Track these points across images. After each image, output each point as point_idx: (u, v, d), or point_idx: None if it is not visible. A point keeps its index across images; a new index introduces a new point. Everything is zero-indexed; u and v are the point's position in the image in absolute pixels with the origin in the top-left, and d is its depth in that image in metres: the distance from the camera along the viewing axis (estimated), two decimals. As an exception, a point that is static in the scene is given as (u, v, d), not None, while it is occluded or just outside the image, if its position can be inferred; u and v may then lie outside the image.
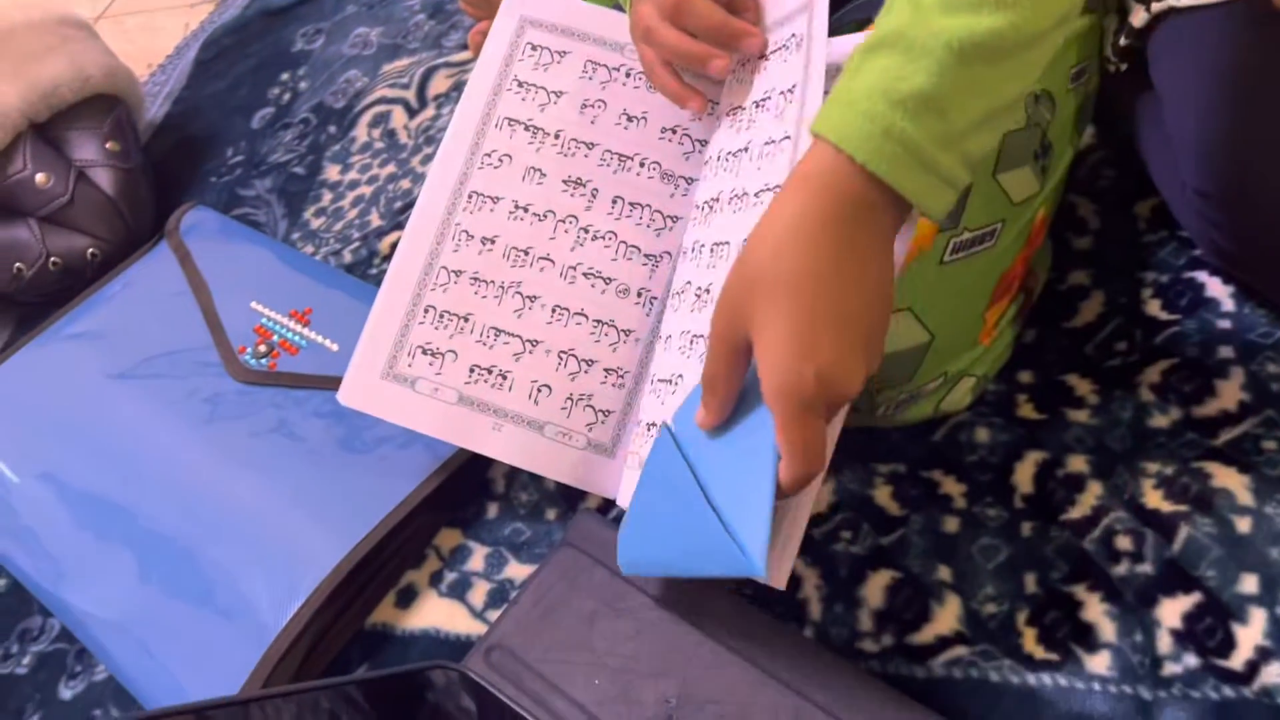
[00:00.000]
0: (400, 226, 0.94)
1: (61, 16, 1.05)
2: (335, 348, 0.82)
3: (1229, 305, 0.64)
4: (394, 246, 0.92)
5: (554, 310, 0.66)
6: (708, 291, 0.60)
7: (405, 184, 0.98)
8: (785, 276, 0.46)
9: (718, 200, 0.62)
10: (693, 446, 0.56)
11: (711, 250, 0.61)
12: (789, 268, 0.46)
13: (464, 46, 1.08)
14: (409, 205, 0.96)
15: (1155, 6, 0.57)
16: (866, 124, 0.45)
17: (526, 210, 0.67)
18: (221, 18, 1.30)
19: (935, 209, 0.46)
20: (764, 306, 0.46)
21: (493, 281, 0.67)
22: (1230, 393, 0.61)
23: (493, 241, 0.67)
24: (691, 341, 0.60)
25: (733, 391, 0.51)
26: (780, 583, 0.52)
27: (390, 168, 1.00)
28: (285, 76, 1.17)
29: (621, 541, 0.61)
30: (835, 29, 0.67)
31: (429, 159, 0.99)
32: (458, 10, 1.11)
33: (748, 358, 0.49)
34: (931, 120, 0.45)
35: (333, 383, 0.78)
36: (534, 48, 0.69)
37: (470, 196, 0.68)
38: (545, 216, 0.67)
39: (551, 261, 0.67)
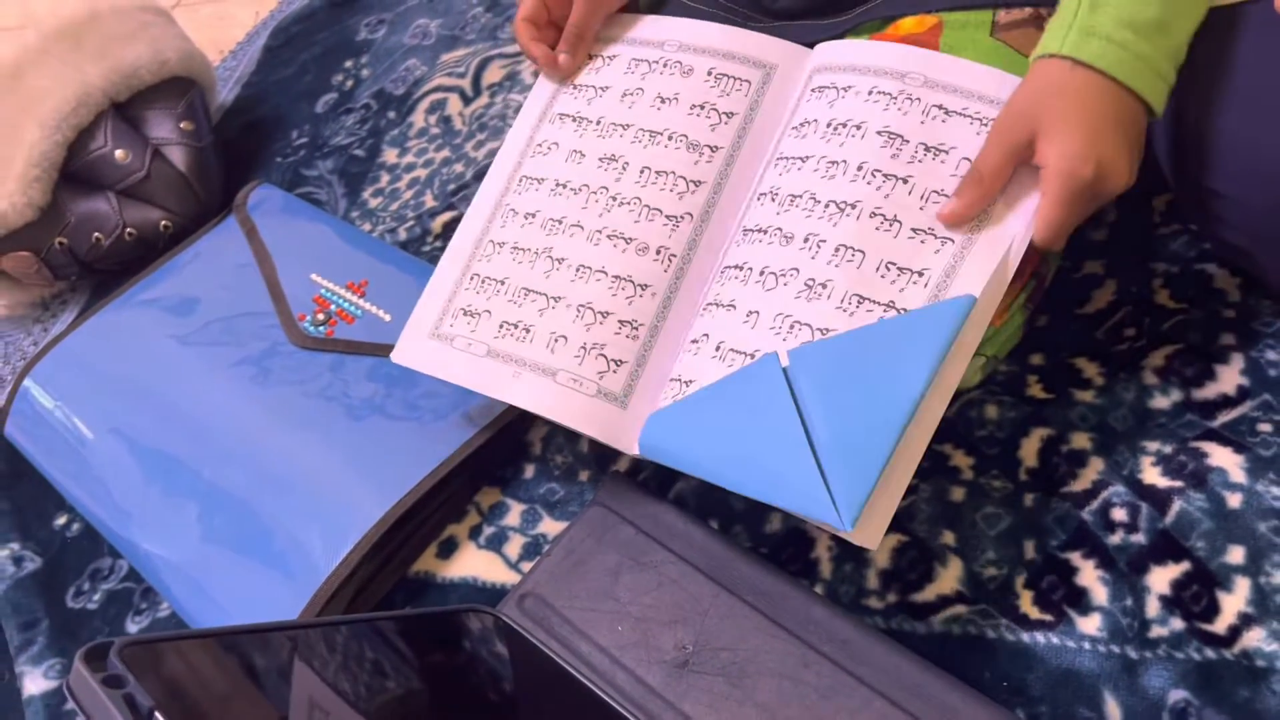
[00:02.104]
0: (452, 208, 0.99)
1: (143, 3, 1.11)
2: (388, 318, 0.87)
3: (1235, 296, 0.67)
4: (445, 226, 0.98)
5: (578, 269, 0.70)
6: (824, 285, 0.62)
7: (458, 168, 1.03)
8: (1079, 86, 0.57)
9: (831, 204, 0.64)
10: (813, 385, 0.59)
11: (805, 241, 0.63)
12: (1080, 84, 0.57)
13: (518, 38, 1.12)
14: (461, 188, 1.01)
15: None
16: (1120, 50, 0.56)
17: (565, 187, 0.72)
18: (290, 7, 1.36)
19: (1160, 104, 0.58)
20: (1058, 107, 0.57)
21: (529, 249, 0.71)
22: (1230, 377, 0.64)
23: (534, 216, 0.72)
24: (782, 321, 0.62)
25: (997, 187, 0.59)
26: (873, 541, 0.56)
27: (445, 152, 1.05)
28: (349, 64, 1.22)
29: (651, 423, 0.65)
30: (856, 28, 0.71)
31: (481, 144, 1.04)
32: (513, 4, 1.16)
33: (1019, 158, 0.59)
34: (1161, 39, 0.57)
35: (385, 350, 0.83)
36: (590, 55, 0.75)
37: (521, 180, 0.74)
38: (580, 190, 0.72)
39: (581, 228, 0.71)
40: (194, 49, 1.12)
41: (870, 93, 0.65)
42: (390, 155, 1.08)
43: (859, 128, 0.64)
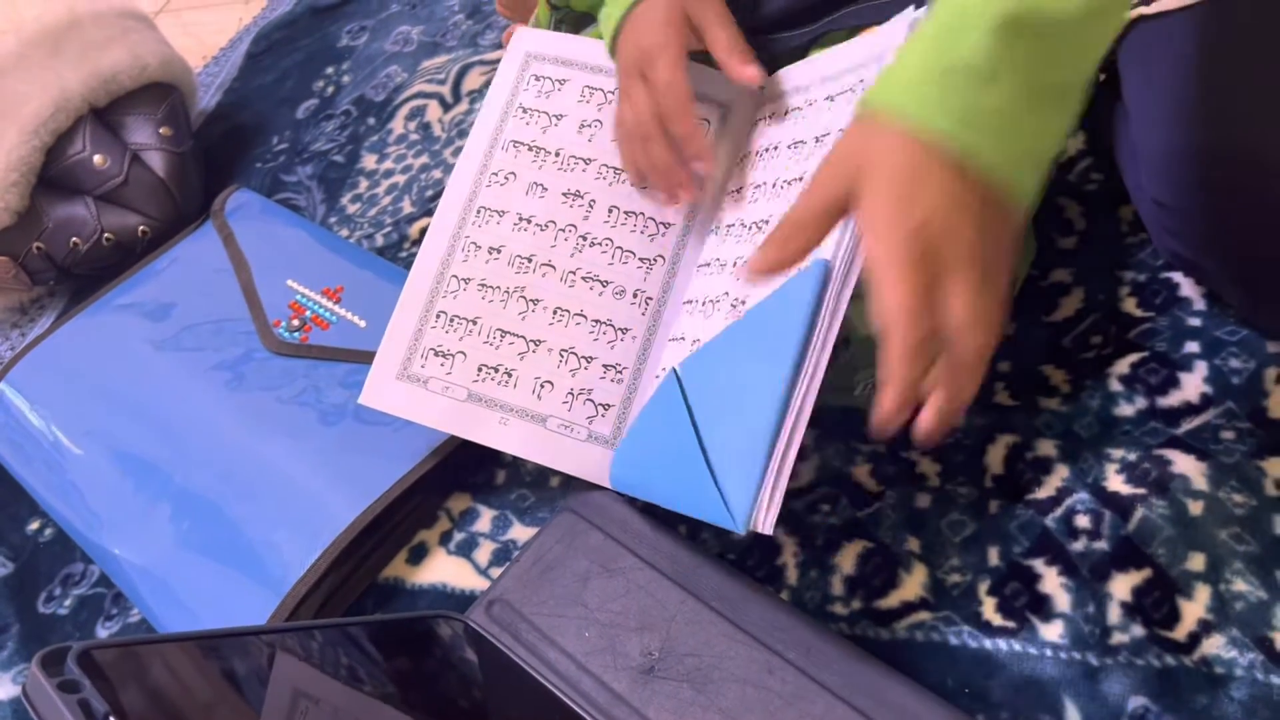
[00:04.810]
0: (430, 214, 0.99)
1: (123, 10, 1.11)
2: (363, 324, 0.87)
3: (1200, 305, 0.67)
4: (423, 231, 0.98)
5: (555, 312, 0.71)
6: (743, 301, 0.64)
7: (437, 174, 1.03)
8: (906, 134, 0.47)
9: (767, 223, 0.66)
10: (698, 395, 0.62)
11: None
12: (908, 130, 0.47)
13: (498, 45, 1.13)
14: (439, 194, 1.00)
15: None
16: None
17: (529, 222, 0.72)
18: (273, 14, 1.37)
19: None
20: (881, 154, 0.47)
21: (498, 287, 0.72)
22: (1193, 385, 0.64)
23: (499, 251, 0.72)
24: None
25: (811, 245, 0.50)
26: (768, 527, 0.56)
27: (424, 158, 1.05)
28: (330, 70, 1.23)
29: (616, 458, 0.68)
30: (821, 38, 0.72)
31: (460, 151, 1.04)
32: (494, 11, 1.16)
33: (839, 215, 0.49)
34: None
35: (359, 356, 0.84)
36: (537, 78, 0.76)
37: (479, 212, 0.73)
38: (547, 226, 0.72)
39: (553, 267, 0.71)
40: (174, 54, 1.12)
41: (786, 113, 0.69)
42: (369, 161, 1.08)
43: (774, 149, 0.68)
